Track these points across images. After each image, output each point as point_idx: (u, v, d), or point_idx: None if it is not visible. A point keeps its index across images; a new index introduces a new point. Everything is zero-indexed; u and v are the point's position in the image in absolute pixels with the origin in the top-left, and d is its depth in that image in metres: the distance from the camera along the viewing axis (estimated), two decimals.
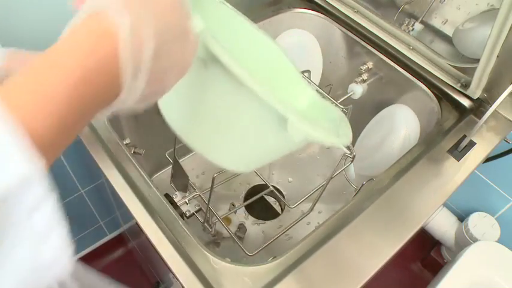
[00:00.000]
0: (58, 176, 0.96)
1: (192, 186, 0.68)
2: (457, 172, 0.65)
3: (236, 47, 0.46)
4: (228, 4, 0.44)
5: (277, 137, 0.37)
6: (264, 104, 0.33)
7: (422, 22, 0.85)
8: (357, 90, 0.88)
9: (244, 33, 0.40)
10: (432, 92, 0.78)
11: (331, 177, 0.68)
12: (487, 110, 0.62)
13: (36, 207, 0.21)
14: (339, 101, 0.73)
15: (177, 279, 0.51)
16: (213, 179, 0.61)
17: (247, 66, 0.31)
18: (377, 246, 0.55)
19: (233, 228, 0.90)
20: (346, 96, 0.88)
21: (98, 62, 0.22)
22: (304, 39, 0.91)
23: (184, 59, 0.28)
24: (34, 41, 0.70)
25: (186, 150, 0.99)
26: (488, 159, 0.84)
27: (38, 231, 0.21)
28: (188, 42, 0.27)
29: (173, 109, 0.41)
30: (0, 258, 0.20)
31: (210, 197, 0.64)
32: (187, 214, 0.66)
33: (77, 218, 1.10)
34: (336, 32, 0.90)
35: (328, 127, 0.42)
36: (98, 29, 0.23)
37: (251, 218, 0.93)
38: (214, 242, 0.87)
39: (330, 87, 0.81)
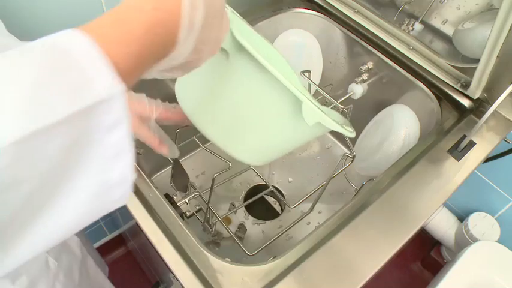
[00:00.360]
0: None
1: (192, 186, 0.68)
2: (457, 172, 0.65)
3: None
4: (237, 14, 0.44)
5: (294, 123, 0.40)
6: (283, 89, 0.36)
7: (422, 22, 0.85)
8: (357, 90, 0.88)
9: (252, 41, 0.41)
10: (432, 92, 0.78)
11: (331, 177, 0.68)
12: (487, 110, 0.62)
13: (114, 126, 0.23)
14: (339, 101, 0.73)
15: (177, 279, 0.51)
16: (213, 179, 0.61)
17: None
18: (377, 246, 0.55)
19: (233, 228, 0.90)
20: (346, 96, 0.88)
21: (164, 15, 0.26)
22: (304, 39, 0.91)
23: (219, 36, 0.32)
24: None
25: (186, 150, 0.99)
26: (488, 159, 0.84)
27: (112, 149, 0.24)
28: (224, 21, 0.31)
29: (192, 101, 0.42)
30: (77, 171, 0.23)
31: (210, 197, 0.64)
32: (187, 214, 0.66)
33: None
34: (336, 32, 0.90)
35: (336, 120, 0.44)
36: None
37: (251, 218, 0.93)
38: (214, 242, 0.87)
39: (330, 87, 0.81)
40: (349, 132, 0.45)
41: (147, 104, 0.45)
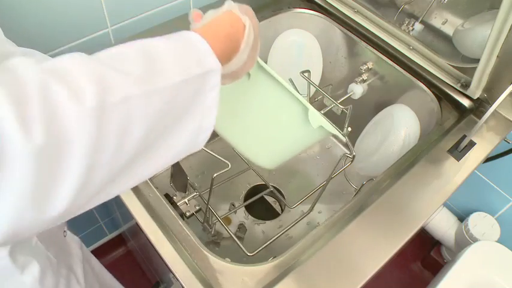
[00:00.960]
0: None
1: (192, 186, 0.68)
2: (457, 172, 0.65)
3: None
4: None
5: (301, 127, 0.50)
6: (293, 99, 0.47)
7: (422, 22, 0.85)
8: (357, 90, 0.88)
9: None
10: (432, 92, 0.78)
11: (331, 177, 0.68)
12: (487, 110, 0.62)
13: (213, 88, 0.35)
14: (339, 101, 0.73)
15: (177, 279, 0.51)
16: (213, 179, 0.61)
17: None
18: (377, 246, 0.55)
19: (233, 228, 0.90)
20: (346, 96, 0.88)
21: (235, 30, 0.40)
22: (304, 39, 0.91)
23: (255, 56, 0.44)
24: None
25: None
26: (488, 159, 0.84)
27: (210, 102, 0.36)
28: (258, 44, 0.44)
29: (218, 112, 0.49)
30: (189, 115, 0.34)
31: (209, 197, 0.64)
32: (187, 214, 0.66)
33: (77, 218, 1.09)
34: (336, 32, 0.90)
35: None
36: (234, 16, 0.41)
37: (251, 218, 0.93)
38: (214, 242, 0.87)
39: (330, 87, 0.81)
40: (340, 134, 0.54)
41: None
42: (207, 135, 0.37)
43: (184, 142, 0.35)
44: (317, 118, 0.48)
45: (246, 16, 0.41)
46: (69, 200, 0.26)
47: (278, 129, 0.52)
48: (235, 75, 0.43)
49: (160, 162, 0.34)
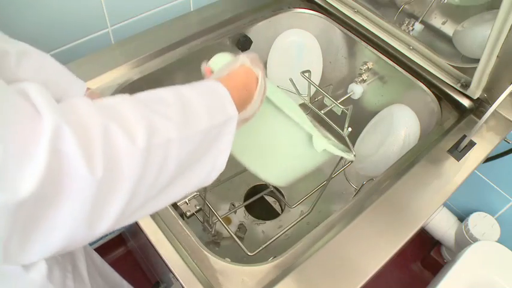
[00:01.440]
0: None
1: None
2: (457, 172, 0.65)
3: None
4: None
5: (308, 152, 0.56)
6: (298, 127, 0.53)
7: (422, 22, 0.85)
8: (357, 90, 0.88)
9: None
10: (432, 92, 0.78)
11: (331, 177, 0.68)
12: (487, 110, 0.62)
13: (229, 133, 0.40)
14: (339, 101, 0.73)
15: (177, 279, 0.51)
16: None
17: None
18: (377, 246, 0.55)
19: (233, 228, 0.90)
20: (346, 96, 0.88)
21: (250, 80, 0.45)
22: (304, 39, 0.91)
23: (263, 99, 0.48)
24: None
25: None
26: (488, 159, 0.84)
27: (224, 145, 0.40)
28: (265, 87, 0.48)
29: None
30: (205, 156, 0.39)
31: (205, 196, 0.63)
32: (187, 214, 0.66)
33: None
34: (336, 32, 0.90)
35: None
36: (248, 69, 0.46)
37: (251, 218, 0.93)
38: (214, 242, 0.87)
39: (330, 87, 0.81)
40: (349, 156, 0.59)
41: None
42: (218, 173, 0.42)
43: (199, 178, 0.40)
44: (321, 144, 0.54)
45: (258, 68, 0.46)
46: (114, 220, 0.32)
47: (286, 153, 0.59)
48: (246, 120, 0.47)
49: (178, 194, 0.38)
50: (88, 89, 0.60)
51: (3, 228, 0.26)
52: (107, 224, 0.31)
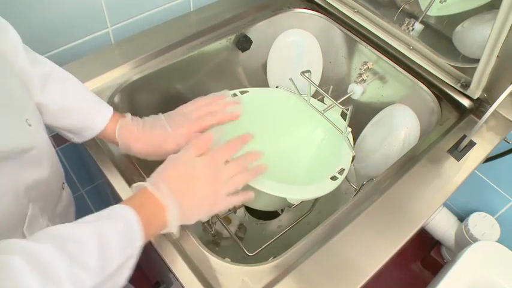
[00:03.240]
0: None
1: None
2: (457, 172, 0.65)
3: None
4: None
5: (286, 200, 0.63)
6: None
7: (422, 22, 0.85)
8: (357, 90, 0.88)
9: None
10: (432, 92, 0.78)
11: (331, 177, 0.68)
12: (487, 110, 0.62)
13: (132, 258, 0.43)
14: (338, 101, 0.73)
15: (177, 279, 0.51)
16: None
17: None
18: (377, 246, 0.55)
19: (233, 228, 0.90)
20: (346, 96, 0.88)
21: (154, 210, 0.46)
22: (304, 39, 0.91)
23: (210, 211, 0.51)
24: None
25: None
26: (488, 159, 0.84)
27: (128, 273, 0.43)
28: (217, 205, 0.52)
29: None
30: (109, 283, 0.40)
31: None
32: None
33: (77, 218, 1.09)
34: (336, 32, 0.90)
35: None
36: (154, 200, 0.47)
37: (251, 218, 0.93)
38: (214, 242, 0.87)
39: (330, 87, 0.81)
40: (320, 194, 0.62)
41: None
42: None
43: None
44: (295, 199, 0.63)
45: (169, 198, 0.47)
46: None
47: (269, 200, 0.66)
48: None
49: None
50: (117, 113, 0.60)
51: None
52: None
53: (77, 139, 0.59)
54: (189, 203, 0.48)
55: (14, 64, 0.50)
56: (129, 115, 0.60)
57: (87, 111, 0.57)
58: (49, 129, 0.84)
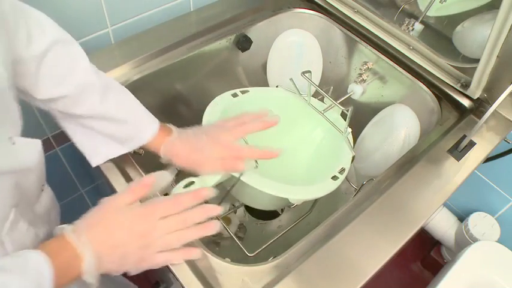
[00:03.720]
0: (58, 176, 0.96)
1: None
2: (457, 172, 0.65)
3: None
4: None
5: (287, 200, 0.62)
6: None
7: (422, 22, 0.85)
8: (357, 90, 0.88)
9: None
10: (432, 92, 0.78)
11: (332, 177, 0.68)
12: (487, 110, 0.62)
13: None
14: (338, 101, 0.73)
15: (177, 279, 0.51)
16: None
17: None
18: (377, 246, 0.55)
19: (233, 228, 0.90)
20: (346, 96, 0.88)
21: (66, 261, 0.43)
22: (304, 39, 0.91)
23: (142, 262, 0.51)
24: None
25: None
26: (488, 159, 0.84)
27: None
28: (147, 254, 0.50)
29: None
30: None
31: None
32: None
33: (77, 218, 1.09)
34: (336, 32, 0.90)
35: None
36: (71, 247, 0.44)
37: (251, 218, 0.93)
38: (214, 242, 0.87)
39: (330, 87, 0.81)
40: (317, 196, 0.63)
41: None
42: None
43: None
44: (295, 199, 0.62)
45: (85, 247, 0.44)
46: None
47: (269, 200, 0.69)
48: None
49: None
50: (164, 126, 0.60)
51: None
52: None
53: (122, 149, 0.59)
54: (109, 253, 0.45)
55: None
56: (174, 131, 0.59)
57: (138, 124, 0.58)
58: (52, 128, 0.85)
